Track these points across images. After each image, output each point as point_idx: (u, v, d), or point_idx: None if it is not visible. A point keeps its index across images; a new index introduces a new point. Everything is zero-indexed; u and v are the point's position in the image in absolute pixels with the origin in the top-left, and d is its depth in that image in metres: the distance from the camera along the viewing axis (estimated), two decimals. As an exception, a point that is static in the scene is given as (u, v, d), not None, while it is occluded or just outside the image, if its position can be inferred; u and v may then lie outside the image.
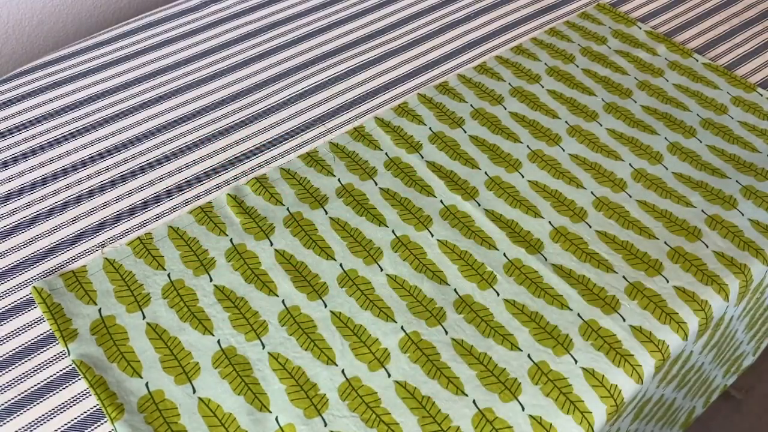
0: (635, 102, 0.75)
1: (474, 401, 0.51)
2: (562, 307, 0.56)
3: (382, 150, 0.70)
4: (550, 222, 0.63)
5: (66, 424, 0.51)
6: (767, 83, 0.78)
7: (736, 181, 0.66)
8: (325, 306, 0.57)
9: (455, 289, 0.58)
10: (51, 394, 0.52)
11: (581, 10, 0.90)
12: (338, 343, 0.54)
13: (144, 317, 0.56)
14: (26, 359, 0.54)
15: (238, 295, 0.58)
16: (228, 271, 0.59)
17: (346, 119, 0.75)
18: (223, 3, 0.92)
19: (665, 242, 0.61)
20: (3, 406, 0.52)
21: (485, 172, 0.68)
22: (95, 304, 0.57)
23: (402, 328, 0.55)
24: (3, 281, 0.60)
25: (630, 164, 0.68)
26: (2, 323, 0.57)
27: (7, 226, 0.64)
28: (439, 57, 0.83)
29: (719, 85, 0.77)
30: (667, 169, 0.68)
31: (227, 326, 0.56)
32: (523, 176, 0.67)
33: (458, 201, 0.65)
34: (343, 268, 0.59)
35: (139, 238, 0.62)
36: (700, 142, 0.71)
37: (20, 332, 0.56)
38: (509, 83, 0.78)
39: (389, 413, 0.50)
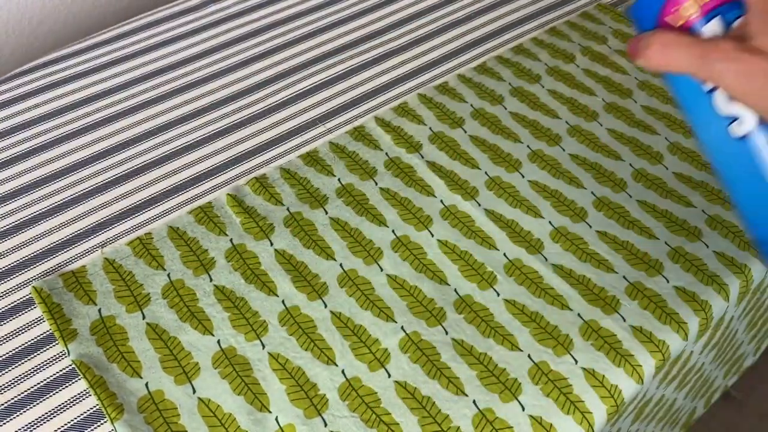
0: (635, 102, 0.75)
1: (474, 401, 0.51)
2: (563, 307, 0.56)
3: (382, 150, 0.70)
4: (550, 222, 0.63)
5: (66, 424, 0.51)
6: None
7: (737, 181, 0.66)
8: (325, 306, 0.57)
9: (455, 289, 0.58)
10: (51, 394, 0.52)
11: (581, 9, 0.90)
12: (338, 343, 0.54)
13: (144, 317, 0.56)
14: (26, 359, 0.54)
15: (238, 295, 0.58)
16: (228, 271, 0.59)
17: (346, 119, 0.75)
18: (223, 3, 0.92)
19: (666, 242, 0.61)
20: (3, 406, 0.51)
21: (485, 172, 0.68)
22: (95, 304, 0.57)
23: (402, 328, 0.55)
24: (3, 281, 0.60)
25: (630, 164, 0.68)
26: (2, 323, 0.57)
27: (7, 226, 0.64)
28: (439, 57, 0.83)
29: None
30: (667, 169, 0.68)
31: (227, 326, 0.56)
32: (523, 176, 0.67)
33: (458, 201, 0.65)
34: (343, 268, 0.59)
35: (138, 238, 0.62)
36: (701, 142, 0.70)
37: (20, 332, 0.56)
38: (509, 83, 0.78)
39: (389, 413, 0.50)
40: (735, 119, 0.36)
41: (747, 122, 0.36)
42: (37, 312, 0.57)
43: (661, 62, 0.35)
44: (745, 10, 0.34)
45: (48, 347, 0.55)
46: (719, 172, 0.40)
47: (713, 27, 0.36)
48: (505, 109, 0.75)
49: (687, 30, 0.36)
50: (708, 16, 0.36)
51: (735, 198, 0.40)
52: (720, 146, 0.38)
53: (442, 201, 0.65)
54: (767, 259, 0.41)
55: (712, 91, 0.36)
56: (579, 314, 0.56)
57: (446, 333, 0.55)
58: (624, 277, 0.58)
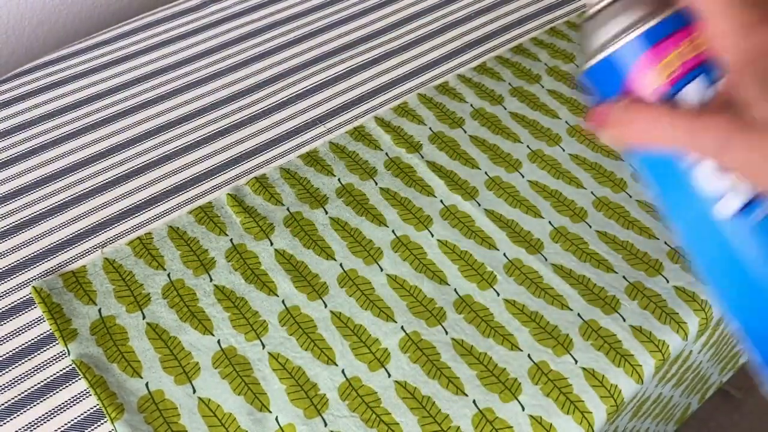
0: (635, 102, 0.75)
1: (474, 401, 0.51)
2: (563, 307, 0.56)
3: (382, 150, 0.70)
4: (550, 222, 0.63)
5: (66, 424, 0.51)
6: (767, 83, 0.78)
7: (736, 181, 0.66)
8: (325, 306, 0.57)
9: (455, 289, 0.58)
10: (51, 394, 0.52)
11: (581, 10, 0.90)
12: (338, 343, 0.54)
13: (144, 317, 0.56)
14: (26, 359, 0.54)
15: (238, 295, 0.58)
16: (228, 271, 0.59)
17: (346, 119, 0.75)
18: (223, 3, 0.92)
19: (665, 242, 0.61)
20: (3, 406, 0.52)
21: (485, 172, 0.68)
22: (95, 304, 0.57)
23: (402, 328, 0.55)
24: (3, 281, 0.60)
25: (630, 164, 0.68)
26: (2, 323, 0.57)
27: (7, 226, 0.64)
28: (439, 57, 0.83)
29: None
30: (667, 169, 0.68)
31: (227, 326, 0.56)
32: (523, 176, 0.67)
33: (458, 201, 0.65)
34: (343, 268, 0.59)
35: (139, 238, 0.62)
36: (700, 142, 0.71)
37: (20, 332, 0.56)
38: (509, 83, 0.78)
39: (389, 413, 0.50)
40: (721, 198, 0.31)
41: (737, 199, 0.31)
42: (37, 312, 0.57)
43: (646, 139, 0.31)
44: (728, 66, 0.30)
45: (48, 347, 0.55)
46: (702, 264, 0.34)
47: (696, 89, 0.31)
48: (505, 109, 0.75)
49: (666, 93, 0.31)
50: (688, 76, 0.31)
51: (725, 299, 0.34)
52: (705, 230, 0.32)
53: (442, 201, 0.65)
54: None
55: (691, 167, 0.31)
56: (579, 314, 0.56)
57: (446, 333, 0.55)
58: (624, 276, 0.58)
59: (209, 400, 0.51)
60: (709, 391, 0.80)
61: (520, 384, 0.52)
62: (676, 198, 0.33)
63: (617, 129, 0.32)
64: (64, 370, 0.54)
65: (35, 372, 0.54)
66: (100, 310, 0.57)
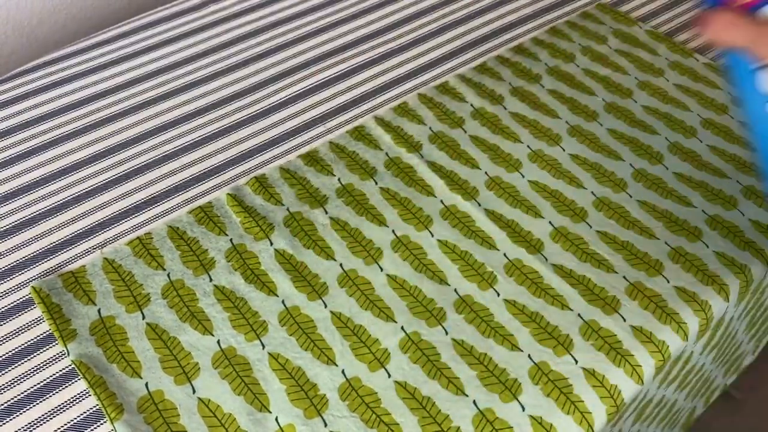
0: (636, 102, 0.75)
1: (474, 401, 0.51)
2: (563, 307, 0.56)
3: (382, 150, 0.70)
4: (550, 222, 0.63)
5: (66, 424, 0.51)
6: None
7: (737, 181, 0.66)
8: (325, 306, 0.57)
9: (455, 290, 0.58)
10: (51, 394, 0.52)
11: (581, 9, 0.90)
12: (338, 343, 0.54)
13: (144, 317, 0.56)
14: (26, 359, 0.54)
15: (238, 295, 0.58)
16: (228, 271, 0.59)
17: (346, 119, 0.75)
18: (223, 3, 0.92)
19: (666, 242, 0.61)
20: (3, 406, 0.51)
21: (485, 172, 0.68)
22: (94, 304, 0.57)
23: (402, 328, 0.55)
24: (2, 281, 0.60)
25: (630, 164, 0.68)
26: (2, 323, 0.57)
27: (7, 226, 0.64)
28: (439, 57, 0.82)
29: (720, 84, 0.77)
30: (667, 169, 0.68)
31: (227, 326, 0.55)
32: (523, 176, 0.67)
33: (458, 201, 0.65)
34: (343, 268, 0.59)
35: (138, 238, 0.62)
36: (701, 142, 0.70)
37: (20, 332, 0.56)
38: (509, 83, 0.78)
39: (389, 413, 0.50)
40: None
41: None
42: (37, 312, 0.57)
43: (722, 38, 0.41)
44: None
45: (48, 347, 0.55)
46: (758, 146, 0.44)
47: None
48: (505, 109, 0.74)
49: (748, 10, 0.41)
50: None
51: None
52: (759, 121, 0.43)
53: (442, 201, 0.65)
54: None
55: (759, 70, 0.41)
56: (579, 314, 0.56)
57: (446, 333, 0.55)
58: (624, 277, 0.58)
59: (209, 400, 0.51)
60: (714, 394, 0.80)
61: (520, 384, 0.52)
62: (744, 92, 0.43)
63: (705, 30, 0.41)
64: (64, 371, 0.54)
65: (35, 372, 0.54)
66: (99, 311, 0.57)
